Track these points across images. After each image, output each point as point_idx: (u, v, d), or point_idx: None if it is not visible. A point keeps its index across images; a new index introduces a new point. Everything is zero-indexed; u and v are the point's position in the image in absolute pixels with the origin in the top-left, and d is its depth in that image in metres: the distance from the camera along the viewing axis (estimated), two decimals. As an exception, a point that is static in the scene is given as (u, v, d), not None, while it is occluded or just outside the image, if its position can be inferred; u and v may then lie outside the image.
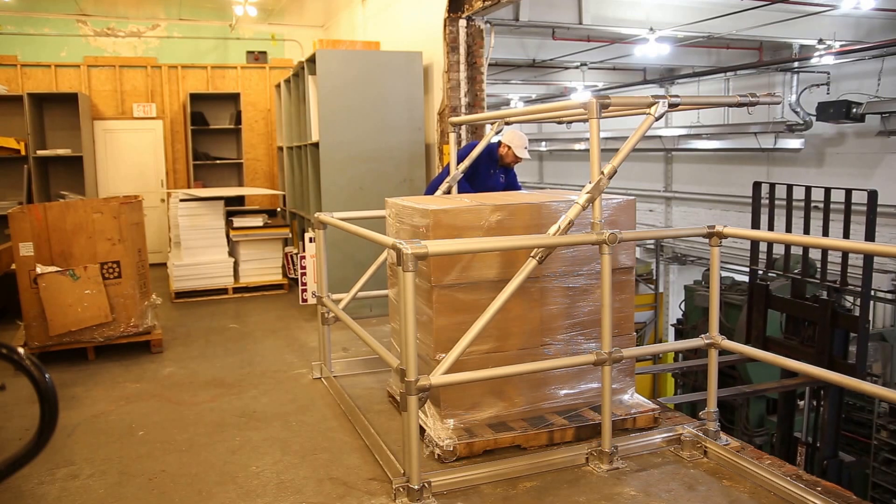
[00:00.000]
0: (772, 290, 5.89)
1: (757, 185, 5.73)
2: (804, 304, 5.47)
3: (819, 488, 3.02)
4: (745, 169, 12.39)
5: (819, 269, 5.47)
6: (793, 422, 6.24)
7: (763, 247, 5.89)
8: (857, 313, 5.85)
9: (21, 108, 8.70)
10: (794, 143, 11.55)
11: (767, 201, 5.70)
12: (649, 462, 3.37)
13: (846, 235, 4.98)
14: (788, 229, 5.43)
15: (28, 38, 10.29)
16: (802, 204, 5.43)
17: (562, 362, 3.45)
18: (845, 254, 5.08)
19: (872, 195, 4.95)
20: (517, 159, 5.45)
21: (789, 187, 5.47)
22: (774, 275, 5.93)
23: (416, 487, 2.97)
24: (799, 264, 5.89)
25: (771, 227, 5.58)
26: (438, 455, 3.39)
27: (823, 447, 5.64)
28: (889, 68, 10.03)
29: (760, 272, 5.96)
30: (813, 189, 5.37)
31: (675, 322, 11.88)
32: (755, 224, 5.75)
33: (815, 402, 6.18)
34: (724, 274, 8.93)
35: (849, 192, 4.97)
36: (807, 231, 5.25)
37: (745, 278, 5.95)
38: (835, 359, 5.17)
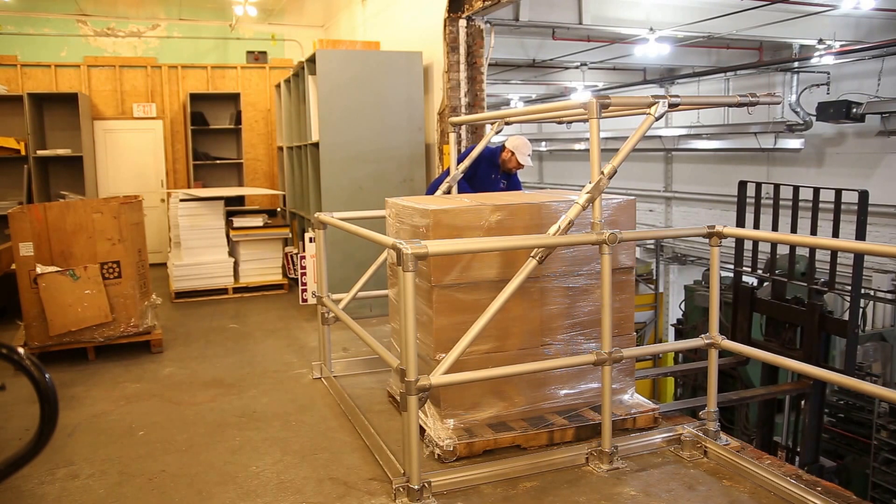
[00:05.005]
0: (757, 293, 5.86)
1: (742, 185, 5.71)
2: (791, 308, 5.43)
3: (819, 488, 3.02)
4: (745, 169, 12.39)
5: (806, 271, 5.43)
6: (773, 426, 6.21)
7: (749, 246, 5.86)
8: (844, 316, 5.79)
9: (21, 108, 8.71)
10: (794, 143, 11.55)
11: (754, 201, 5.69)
12: (649, 462, 3.37)
13: (835, 236, 4.96)
14: (774, 229, 5.40)
15: (28, 38, 10.29)
16: (791, 204, 5.41)
17: (562, 362, 3.46)
18: (834, 255, 5.06)
19: (863, 195, 4.93)
20: (519, 165, 5.51)
21: (776, 186, 5.44)
22: (764, 276, 5.89)
23: (416, 487, 2.98)
24: (786, 265, 5.85)
25: (756, 227, 5.56)
26: (438, 455, 3.39)
27: (803, 452, 5.59)
28: (889, 68, 10.04)
29: (750, 273, 5.94)
30: (803, 189, 5.35)
31: (675, 322, 11.88)
32: (740, 223, 5.73)
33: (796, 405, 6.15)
34: (724, 274, 8.92)
35: (839, 192, 4.95)
36: (794, 231, 5.22)
37: (748, 279, 5.89)
38: (819, 363, 5.12)
